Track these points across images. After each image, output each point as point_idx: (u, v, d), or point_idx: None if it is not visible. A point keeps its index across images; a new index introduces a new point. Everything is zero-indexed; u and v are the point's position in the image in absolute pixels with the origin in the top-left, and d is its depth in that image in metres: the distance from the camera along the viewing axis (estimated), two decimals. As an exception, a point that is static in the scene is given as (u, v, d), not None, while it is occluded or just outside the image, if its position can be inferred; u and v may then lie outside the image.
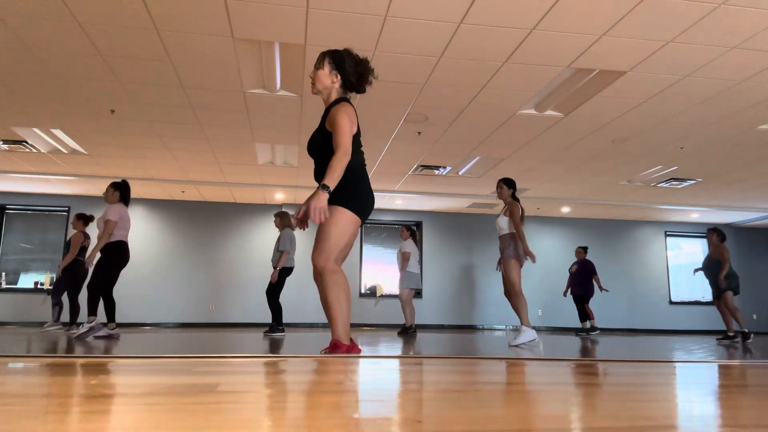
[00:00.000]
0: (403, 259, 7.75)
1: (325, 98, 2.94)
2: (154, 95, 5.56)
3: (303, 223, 2.91)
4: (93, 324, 5.46)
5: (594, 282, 8.91)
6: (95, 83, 5.29)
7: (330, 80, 2.88)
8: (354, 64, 2.89)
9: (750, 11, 3.79)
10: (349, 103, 2.87)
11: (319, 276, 2.78)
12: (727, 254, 7.22)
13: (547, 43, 4.33)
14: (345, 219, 2.77)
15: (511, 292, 5.29)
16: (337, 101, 2.86)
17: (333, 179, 2.66)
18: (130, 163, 8.19)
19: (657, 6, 3.77)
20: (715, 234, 7.34)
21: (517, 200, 5.53)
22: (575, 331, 9.18)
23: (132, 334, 6.34)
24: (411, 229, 8.01)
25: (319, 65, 2.90)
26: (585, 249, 9.25)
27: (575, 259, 9.35)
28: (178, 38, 4.38)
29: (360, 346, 2.89)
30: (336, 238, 2.75)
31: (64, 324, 7.31)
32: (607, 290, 9.13)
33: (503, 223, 5.41)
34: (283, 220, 7.25)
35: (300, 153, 7.54)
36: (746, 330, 7.19)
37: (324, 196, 2.63)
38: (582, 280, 8.93)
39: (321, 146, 2.83)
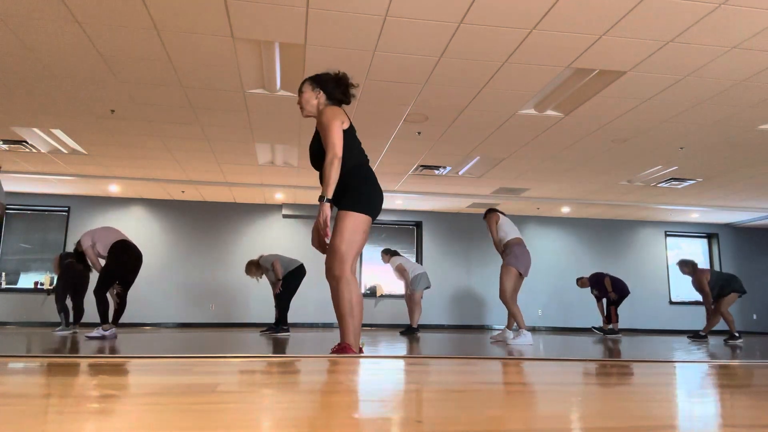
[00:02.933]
0: (400, 272, 8.08)
1: (316, 115, 3.02)
2: (154, 95, 5.56)
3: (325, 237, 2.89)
4: (107, 333, 5.51)
5: (606, 285, 8.71)
6: (95, 83, 5.29)
7: (314, 98, 2.98)
8: (332, 79, 3.00)
9: (750, 11, 3.79)
10: (332, 106, 2.95)
11: (333, 281, 2.80)
12: (706, 282, 7.48)
13: (547, 43, 4.33)
14: (353, 223, 2.79)
15: (502, 298, 5.52)
16: (325, 107, 2.96)
17: (329, 186, 2.74)
18: (130, 163, 8.19)
19: (657, 6, 3.77)
20: (686, 266, 7.65)
21: (501, 212, 5.85)
22: (595, 329, 9.17)
23: (132, 334, 6.34)
24: (389, 251, 8.37)
25: (301, 91, 3.02)
26: (581, 279, 9.12)
27: (581, 277, 9.20)
28: (178, 38, 4.38)
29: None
30: (347, 246, 2.77)
31: (74, 325, 7.31)
32: (614, 298, 8.76)
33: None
34: (251, 267, 7.16)
35: (300, 153, 7.54)
36: (735, 333, 7.37)
37: (325, 208, 2.72)
38: (602, 288, 8.82)
39: (319, 155, 2.89)
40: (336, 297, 2.78)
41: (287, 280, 7.01)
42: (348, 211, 2.79)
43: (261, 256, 7.22)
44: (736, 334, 7.28)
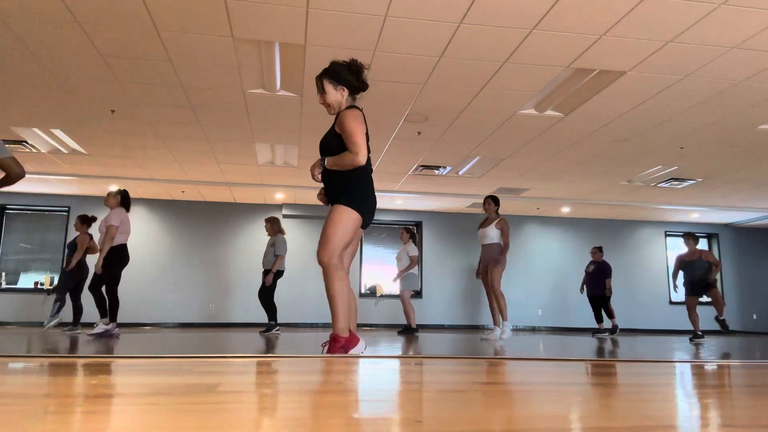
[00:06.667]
0: (412, 262, 7.82)
1: (339, 110, 3.06)
2: (154, 95, 5.56)
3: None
4: (109, 327, 5.55)
5: (607, 284, 8.69)
6: (95, 83, 5.29)
7: (339, 95, 3.01)
8: (347, 70, 3.01)
9: (750, 11, 3.79)
10: (358, 108, 3.00)
11: (322, 268, 2.91)
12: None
13: (547, 43, 4.33)
14: (346, 217, 2.89)
15: (495, 293, 6.17)
16: (346, 108, 3.00)
17: (333, 162, 2.92)
18: (130, 163, 8.19)
19: (657, 6, 3.77)
20: (691, 238, 7.63)
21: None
22: (592, 331, 9.10)
23: (132, 334, 6.34)
24: (410, 231, 8.09)
25: (322, 90, 3.02)
26: (601, 249, 9.08)
27: (591, 259, 9.17)
28: (178, 38, 4.38)
29: (359, 336, 2.98)
30: (339, 236, 2.87)
31: (64, 324, 7.34)
32: (610, 296, 8.81)
33: (493, 234, 6.28)
34: (274, 225, 7.36)
35: (300, 153, 7.54)
36: (724, 320, 7.47)
37: (317, 162, 3.00)
38: (600, 281, 8.77)
39: (332, 149, 2.96)
40: (326, 285, 2.89)
41: (274, 277, 7.16)
42: (343, 206, 2.90)
43: (280, 233, 7.28)
44: (699, 333, 7.41)
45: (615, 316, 8.66)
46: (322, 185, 3.07)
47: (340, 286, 2.85)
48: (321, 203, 3.25)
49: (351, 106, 2.99)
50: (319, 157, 3.41)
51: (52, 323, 6.81)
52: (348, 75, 2.98)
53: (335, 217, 2.87)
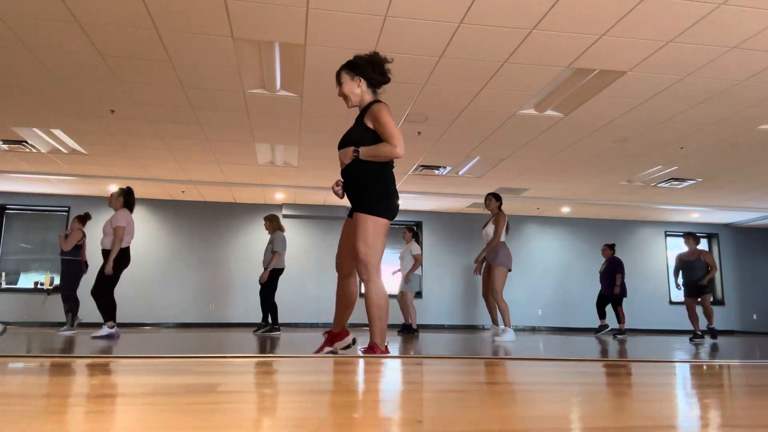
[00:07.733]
0: (417, 262, 7.72)
1: (359, 104, 3.03)
2: (154, 95, 5.56)
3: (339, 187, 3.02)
4: (113, 330, 5.54)
5: (617, 280, 8.50)
6: (95, 83, 5.29)
7: (357, 86, 2.97)
8: (368, 62, 2.97)
9: (750, 11, 3.79)
10: (384, 103, 2.97)
11: (363, 284, 2.90)
12: (713, 259, 7.74)
13: (547, 43, 4.33)
14: (375, 229, 2.85)
15: (496, 297, 5.89)
16: (373, 102, 2.96)
17: (369, 152, 2.84)
18: (130, 163, 8.19)
19: (657, 6, 3.77)
20: (691, 238, 7.79)
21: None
22: (594, 331, 9.03)
23: (132, 334, 6.34)
24: (413, 230, 8.02)
25: (340, 82, 2.99)
26: (611, 246, 8.90)
27: (611, 246, 8.99)
28: (178, 38, 4.38)
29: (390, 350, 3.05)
30: (372, 250, 2.85)
31: (79, 324, 7.31)
32: (617, 293, 8.53)
33: (491, 232, 6.08)
34: (273, 222, 7.38)
35: (300, 153, 7.53)
36: (714, 328, 7.69)
37: (350, 151, 2.86)
38: (610, 280, 8.63)
39: (365, 145, 2.91)
40: (366, 299, 2.88)
41: (271, 275, 7.16)
42: (369, 215, 2.84)
43: (279, 230, 7.30)
44: (699, 333, 7.45)
45: (624, 322, 8.51)
46: (337, 180, 2.99)
47: (378, 304, 2.85)
48: (334, 195, 3.19)
49: (378, 101, 2.95)
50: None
51: (70, 333, 6.78)
52: (366, 67, 2.94)
53: (365, 231, 2.82)
